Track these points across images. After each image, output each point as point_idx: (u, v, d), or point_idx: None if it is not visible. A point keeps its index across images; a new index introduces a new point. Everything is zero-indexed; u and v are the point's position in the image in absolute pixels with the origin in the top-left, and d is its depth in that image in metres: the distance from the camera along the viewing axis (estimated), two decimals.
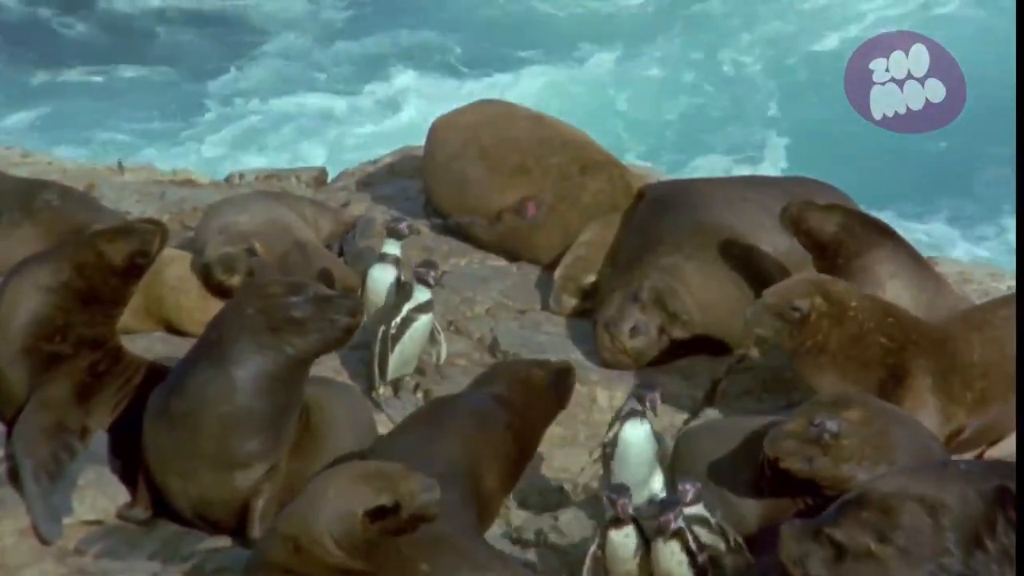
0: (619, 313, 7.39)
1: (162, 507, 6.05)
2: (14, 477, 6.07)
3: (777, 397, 7.31)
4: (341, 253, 8.20)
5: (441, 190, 8.60)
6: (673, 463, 6.38)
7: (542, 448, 6.68)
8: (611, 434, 6.07)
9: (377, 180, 9.38)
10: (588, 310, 7.78)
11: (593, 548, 5.69)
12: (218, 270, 7.34)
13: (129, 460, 6.15)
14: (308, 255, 7.68)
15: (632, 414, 6.04)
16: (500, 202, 8.29)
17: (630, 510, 5.60)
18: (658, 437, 6.12)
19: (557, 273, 8.00)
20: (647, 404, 6.04)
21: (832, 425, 5.77)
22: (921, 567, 5.11)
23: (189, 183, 9.39)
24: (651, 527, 5.61)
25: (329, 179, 9.68)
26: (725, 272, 7.50)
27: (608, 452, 6.06)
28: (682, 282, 7.45)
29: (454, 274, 8.21)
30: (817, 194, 7.77)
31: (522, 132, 8.45)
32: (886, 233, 7.34)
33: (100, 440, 6.27)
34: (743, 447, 6.17)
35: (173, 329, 7.38)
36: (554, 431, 6.73)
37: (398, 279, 7.33)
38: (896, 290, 6.95)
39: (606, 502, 5.65)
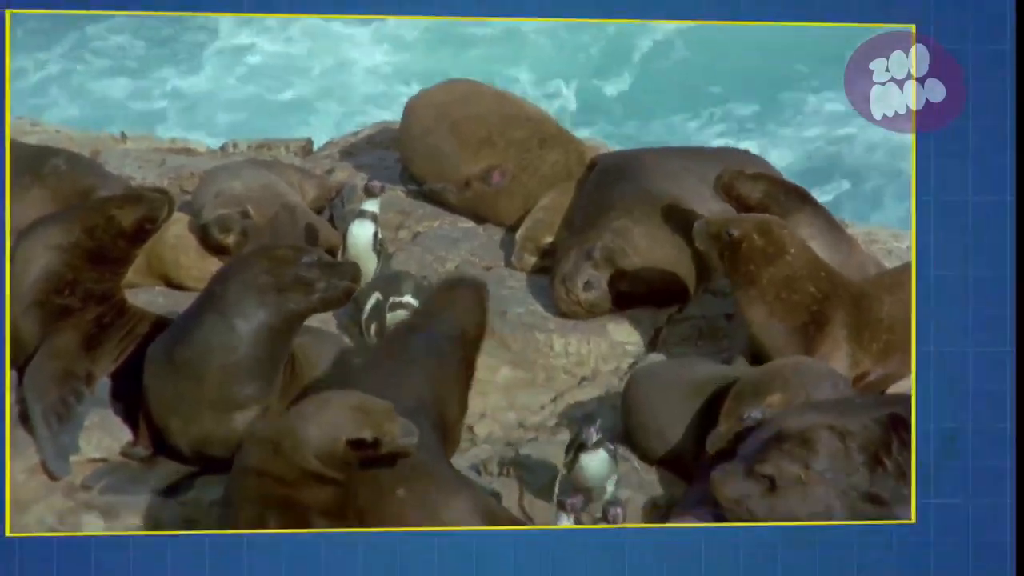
0: (574, 269, 7.57)
1: (162, 445, 6.20)
2: (25, 419, 6.20)
3: (711, 344, 7.49)
4: (331, 219, 8.28)
5: (416, 160, 8.69)
6: (623, 401, 6.73)
7: (505, 389, 7.01)
8: (569, 458, 6.18)
9: (358, 150, 9.43)
10: (546, 267, 7.93)
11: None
12: (215, 230, 7.49)
13: (131, 403, 6.29)
14: (295, 217, 7.80)
15: (590, 446, 6.08)
16: (468, 171, 8.43)
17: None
18: (610, 451, 6.18)
19: (519, 234, 8.16)
20: (593, 434, 6.11)
21: (758, 414, 5.92)
22: (837, 486, 5.49)
23: (187, 151, 9.39)
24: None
25: (315, 149, 9.69)
26: (667, 235, 7.63)
27: (569, 468, 6.18)
28: (630, 243, 7.61)
29: (428, 235, 8.36)
30: (746, 164, 7.89)
31: (488, 109, 8.52)
32: (806, 200, 7.54)
33: (104, 385, 6.42)
34: (686, 394, 6.50)
35: (172, 284, 7.56)
36: (516, 374, 7.12)
37: (375, 234, 7.50)
38: (814, 250, 7.00)
39: (557, 504, 6.03)
